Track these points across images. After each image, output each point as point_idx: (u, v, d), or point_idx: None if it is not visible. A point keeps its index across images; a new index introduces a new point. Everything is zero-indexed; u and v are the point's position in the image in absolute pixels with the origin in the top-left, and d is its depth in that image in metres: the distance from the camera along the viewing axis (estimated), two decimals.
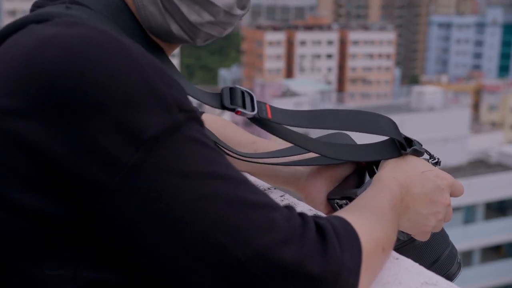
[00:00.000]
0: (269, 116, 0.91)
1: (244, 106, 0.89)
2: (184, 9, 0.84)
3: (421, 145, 0.98)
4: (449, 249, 1.03)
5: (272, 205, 0.69)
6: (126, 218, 0.64)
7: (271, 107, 0.93)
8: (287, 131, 0.95)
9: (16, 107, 0.65)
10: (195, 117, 0.69)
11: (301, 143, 0.96)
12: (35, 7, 0.84)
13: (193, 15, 0.84)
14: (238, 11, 0.88)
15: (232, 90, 0.91)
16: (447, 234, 1.04)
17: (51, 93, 0.64)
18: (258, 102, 0.92)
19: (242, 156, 1.05)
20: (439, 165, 1.00)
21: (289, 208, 0.71)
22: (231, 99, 0.89)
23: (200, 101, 0.88)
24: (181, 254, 0.64)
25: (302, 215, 0.71)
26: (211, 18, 0.85)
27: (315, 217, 0.73)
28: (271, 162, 1.08)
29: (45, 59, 0.66)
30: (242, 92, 0.91)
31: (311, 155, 1.04)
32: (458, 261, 1.04)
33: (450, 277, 1.01)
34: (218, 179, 0.66)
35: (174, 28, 0.85)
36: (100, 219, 0.64)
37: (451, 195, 0.97)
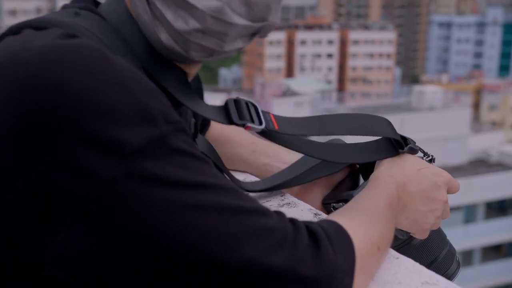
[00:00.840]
0: (276, 127, 0.89)
1: (252, 120, 0.87)
2: (169, 15, 0.76)
3: (415, 143, 0.99)
4: (447, 248, 1.03)
5: (263, 211, 0.68)
6: (108, 230, 0.62)
7: (275, 116, 0.91)
8: (292, 139, 0.94)
9: None
10: (181, 128, 0.67)
11: (304, 150, 0.96)
12: (62, 8, 0.82)
13: (178, 22, 0.76)
14: (237, 19, 0.77)
15: (237, 103, 0.88)
16: (445, 234, 1.04)
17: (23, 99, 0.62)
18: (262, 112, 0.90)
19: (244, 188, 1.04)
20: (434, 162, 1.01)
21: (279, 214, 0.71)
22: (239, 114, 0.87)
23: (207, 117, 0.85)
24: (171, 265, 0.63)
25: (292, 220, 0.71)
26: (196, 24, 0.76)
27: (306, 222, 0.73)
28: (274, 188, 1.07)
29: (21, 64, 0.64)
30: (246, 104, 0.89)
31: (306, 166, 1.05)
32: (457, 260, 1.04)
33: (449, 276, 1.01)
34: (207, 189, 0.65)
35: (164, 37, 0.78)
36: (73, 232, 0.62)
37: (447, 192, 0.97)
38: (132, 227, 0.62)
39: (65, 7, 0.81)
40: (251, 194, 1.07)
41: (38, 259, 0.63)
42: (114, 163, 0.61)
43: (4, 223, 0.63)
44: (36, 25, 0.72)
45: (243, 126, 0.86)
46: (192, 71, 0.87)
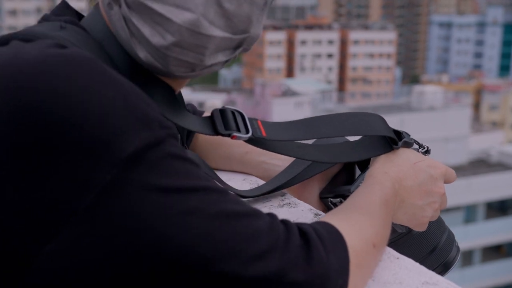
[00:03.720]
0: (264, 134, 0.89)
1: (238, 129, 0.87)
2: (146, 31, 0.76)
3: (409, 135, 0.99)
4: (447, 234, 1.03)
5: (254, 214, 0.69)
6: (99, 236, 0.61)
7: (263, 123, 0.91)
8: (281, 145, 0.94)
9: None
10: (173, 133, 0.67)
11: (296, 154, 0.96)
12: (42, 19, 0.82)
13: (156, 38, 0.76)
14: (215, 31, 0.76)
15: (222, 112, 0.87)
16: (443, 220, 1.03)
17: (15, 107, 0.61)
18: (250, 119, 0.89)
19: (244, 195, 1.05)
20: (429, 153, 1.00)
21: (271, 215, 0.71)
22: (224, 124, 0.86)
23: (193, 130, 0.85)
24: (163, 271, 0.62)
25: (284, 222, 0.71)
26: (173, 38, 0.75)
27: (298, 223, 0.73)
28: (273, 190, 1.08)
29: (12, 72, 0.63)
30: (233, 113, 0.88)
31: (303, 166, 1.05)
32: (456, 244, 1.04)
33: (450, 261, 1.02)
34: (199, 193, 0.65)
35: (143, 55, 0.77)
36: (63, 239, 0.61)
37: (445, 182, 0.97)
38: (124, 233, 0.61)
39: (46, 18, 0.81)
40: (253, 198, 1.08)
41: (23, 268, 0.62)
42: (108, 169, 0.61)
43: None
44: (23, 37, 0.72)
45: (229, 135, 0.86)
46: (179, 86, 0.87)
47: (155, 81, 0.82)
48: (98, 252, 0.61)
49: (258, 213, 0.69)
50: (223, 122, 0.87)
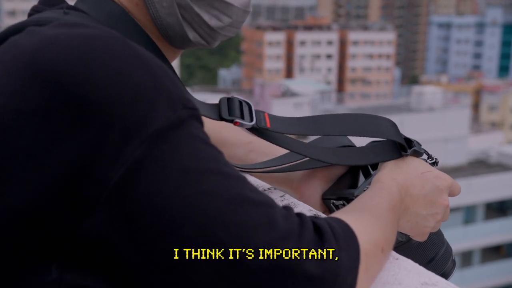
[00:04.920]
0: (268, 125, 0.91)
1: (242, 117, 0.89)
2: (205, 16, 0.85)
3: (420, 145, 0.98)
4: (444, 248, 1.03)
5: (270, 204, 0.69)
6: (125, 213, 0.63)
7: (269, 115, 0.92)
8: (286, 139, 0.94)
9: (18, 106, 0.65)
10: (197, 115, 0.69)
11: (301, 150, 0.96)
12: (33, 11, 0.84)
13: (213, 21, 0.86)
14: (251, 8, 0.90)
15: (229, 100, 0.90)
16: (442, 233, 1.04)
17: (57, 91, 0.64)
18: (257, 111, 0.91)
19: (240, 167, 1.06)
20: (437, 165, 1.01)
21: (287, 208, 0.72)
22: (229, 110, 0.89)
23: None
24: (179, 249, 0.64)
25: (299, 215, 0.72)
26: (229, 20, 0.87)
27: (313, 217, 0.73)
28: (266, 171, 1.08)
29: (50, 57, 0.66)
30: (240, 102, 0.91)
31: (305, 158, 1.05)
32: (453, 259, 1.04)
33: (445, 275, 1.02)
34: (218, 176, 0.66)
35: (192, 35, 0.87)
36: (97, 215, 0.64)
37: (449, 195, 0.97)
38: (143, 209, 0.63)
39: (37, 9, 0.84)
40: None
41: (66, 241, 0.65)
42: (135, 146, 0.64)
43: (33, 206, 0.64)
44: (36, 23, 0.75)
45: (232, 121, 0.88)
46: (171, 59, 0.92)
47: (161, 57, 0.87)
48: (124, 230, 0.64)
49: (273, 203, 0.70)
50: (228, 109, 0.89)
